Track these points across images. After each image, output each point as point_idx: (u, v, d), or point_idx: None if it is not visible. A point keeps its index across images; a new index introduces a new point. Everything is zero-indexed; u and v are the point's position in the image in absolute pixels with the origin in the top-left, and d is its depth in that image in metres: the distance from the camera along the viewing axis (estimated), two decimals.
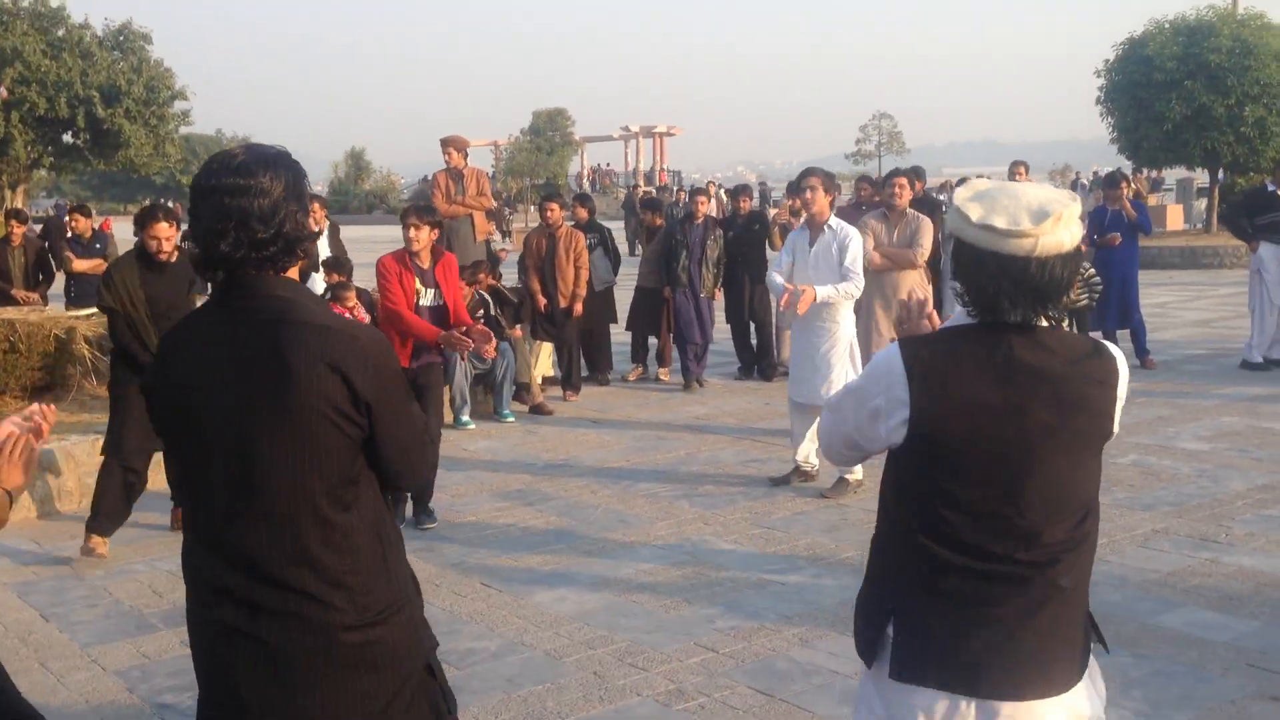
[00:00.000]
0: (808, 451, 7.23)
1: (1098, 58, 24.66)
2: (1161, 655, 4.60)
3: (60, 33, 31.58)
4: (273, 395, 2.14)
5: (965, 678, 2.29)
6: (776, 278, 7.29)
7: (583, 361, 10.99)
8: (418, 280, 6.77)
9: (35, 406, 2.34)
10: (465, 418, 9.30)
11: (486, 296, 9.94)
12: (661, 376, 11.32)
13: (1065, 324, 2.39)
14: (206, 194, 2.19)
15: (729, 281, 11.10)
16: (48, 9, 31.51)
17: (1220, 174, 24.06)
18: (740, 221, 11.35)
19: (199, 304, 6.29)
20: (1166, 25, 23.23)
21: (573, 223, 11.28)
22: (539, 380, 10.45)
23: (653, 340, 11.55)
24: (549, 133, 66.79)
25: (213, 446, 2.20)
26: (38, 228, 14.84)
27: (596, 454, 8.38)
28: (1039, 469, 2.26)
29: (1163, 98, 22.16)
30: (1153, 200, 28.57)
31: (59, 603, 5.63)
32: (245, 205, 2.16)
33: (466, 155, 11.43)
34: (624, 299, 11.68)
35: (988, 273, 2.23)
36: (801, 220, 11.15)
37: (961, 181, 11.50)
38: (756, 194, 23.46)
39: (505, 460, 8.29)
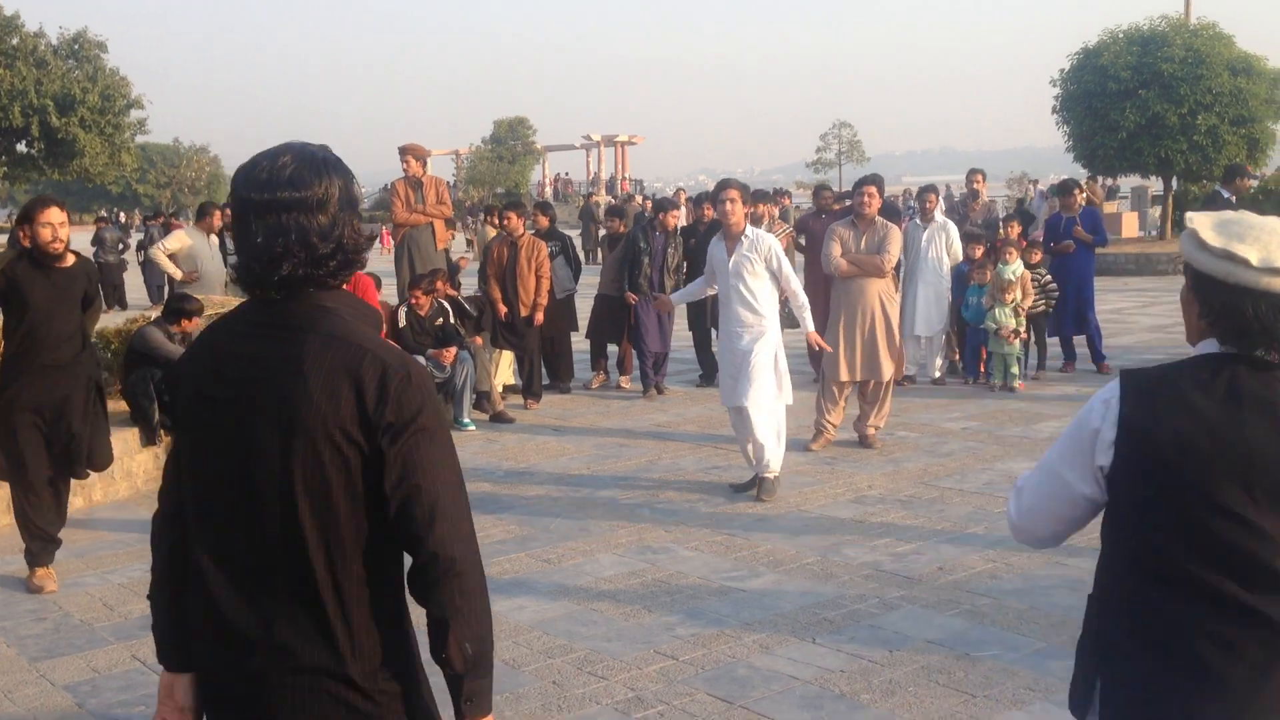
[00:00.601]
0: (759, 455, 7.20)
1: (1053, 67, 24.93)
2: None
3: (14, 41, 31.23)
4: (284, 414, 1.96)
5: None
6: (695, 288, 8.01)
7: (544, 370, 10.96)
8: None
9: None
10: None
11: (446, 305, 9.89)
12: (623, 384, 11.30)
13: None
14: (260, 210, 1.98)
15: None
16: (1, 18, 31.14)
17: (1174, 182, 24.37)
18: (703, 229, 11.36)
19: (90, 324, 6.06)
20: (1121, 35, 23.53)
21: (534, 230, 11.26)
22: (500, 388, 10.41)
23: (613, 348, 11.53)
24: (510, 141, 66.72)
25: (216, 462, 2.04)
26: (2, 238, 14.65)
27: (557, 462, 8.35)
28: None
29: (1117, 106, 22.44)
30: (1110, 208, 28.89)
31: (7, 616, 5.53)
32: (305, 221, 1.96)
33: (425, 163, 11.39)
34: (584, 307, 11.66)
35: (1264, 312, 2.09)
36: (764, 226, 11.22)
37: (928, 188, 11.51)
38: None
39: (465, 468, 8.14)
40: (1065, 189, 12.07)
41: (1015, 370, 10.46)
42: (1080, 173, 26.32)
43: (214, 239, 11.00)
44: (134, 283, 22.98)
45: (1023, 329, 10.47)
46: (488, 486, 7.69)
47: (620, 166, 70.30)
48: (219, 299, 10.81)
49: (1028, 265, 10.73)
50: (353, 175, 2.08)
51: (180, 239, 10.80)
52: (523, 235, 10.51)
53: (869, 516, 6.72)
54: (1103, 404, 2.18)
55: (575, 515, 6.94)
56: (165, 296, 13.84)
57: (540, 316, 10.39)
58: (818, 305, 10.45)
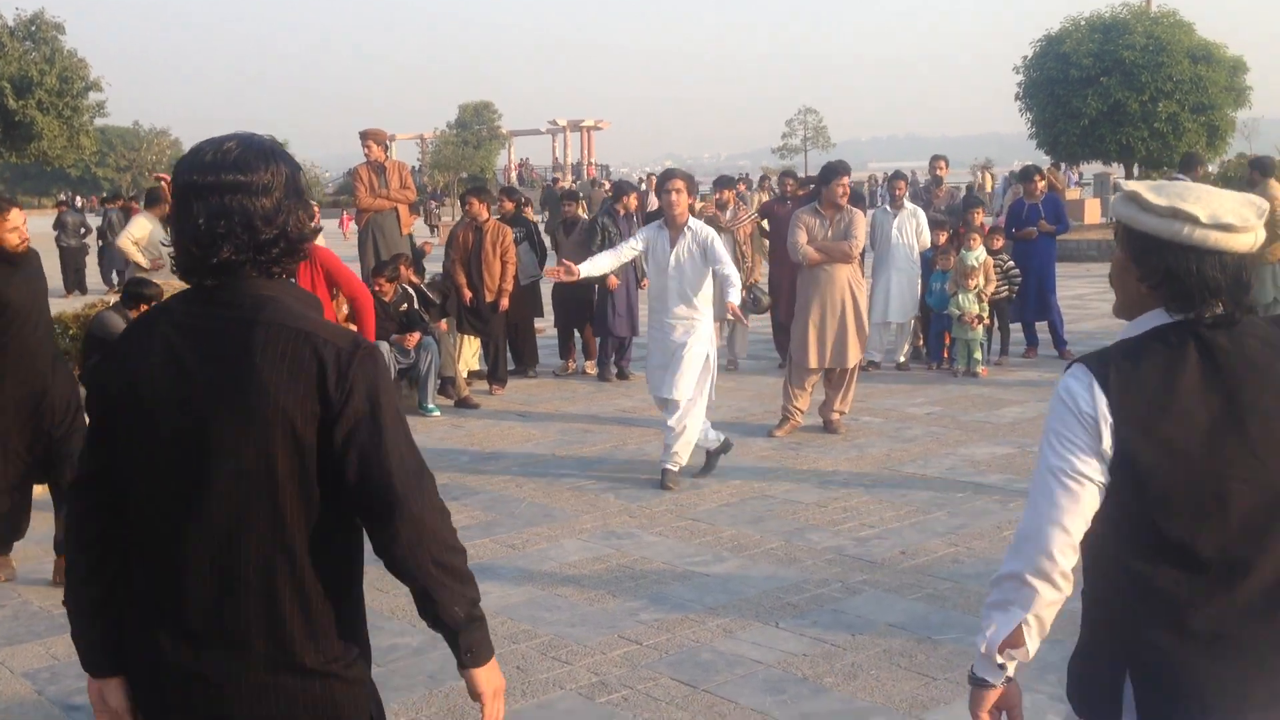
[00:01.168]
0: (671, 444, 7.22)
1: (1016, 54, 25.11)
2: (1076, 640, 4.67)
3: None
4: (236, 402, 1.95)
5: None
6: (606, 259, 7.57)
7: (509, 355, 10.94)
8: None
9: None
10: None
11: (410, 290, 9.84)
12: (588, 370, 11.30)
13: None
14: (202, 192, 1.97)
15: None
16: None
17: (1135, 168, 24.61)
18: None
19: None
20: (1083, 22, 23.73)
21: (499, 216, 11.23)
22: (464, 374, 10.38)
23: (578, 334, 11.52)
24: (475, 126, 66.34)
25: (163, 452, 2.00)
26: None
27: (523, 447, 8.34)
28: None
29: (1079, 94, 22.65)
30: (1073, 194, 29.13)
31: None
32: (248, 204, 1.96)
33: (387, 148, 11.32)
34: (547, 293, 11.63)
35: (1208, 269, 2.09)
36: (731, 215, 11.24)
37: (898, 174, 11.49)
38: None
39: (430, 454, 8.13)
40: (1026, 175, 12.15)
41: (978, 355, 10.54)
42: (1043, 159, 26.50)
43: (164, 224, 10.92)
44: (93, 267, 22.72)
45: (985, 314, 10.55)
46: (453, 472, 7.67)
47: (586, 151, 70.16)
48: (178, 284, 10.72)
49: (990, 251, 10.81)
50: (299, 167, 2.08)
51: (142, 226, 10.69)
52: (487, 220, 10.47)
53: (832, 501, 6.76)
54: (1085, 389, 2.10)
55: (540, 500, 6.94)
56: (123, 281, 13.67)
57: (505, 302, 10.37)
58: (784, 292, 10.51)
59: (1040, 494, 2.11)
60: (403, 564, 2.03)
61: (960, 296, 10.41)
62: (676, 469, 7.21)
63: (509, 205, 11.62)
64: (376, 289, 9.61)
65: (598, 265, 7.52)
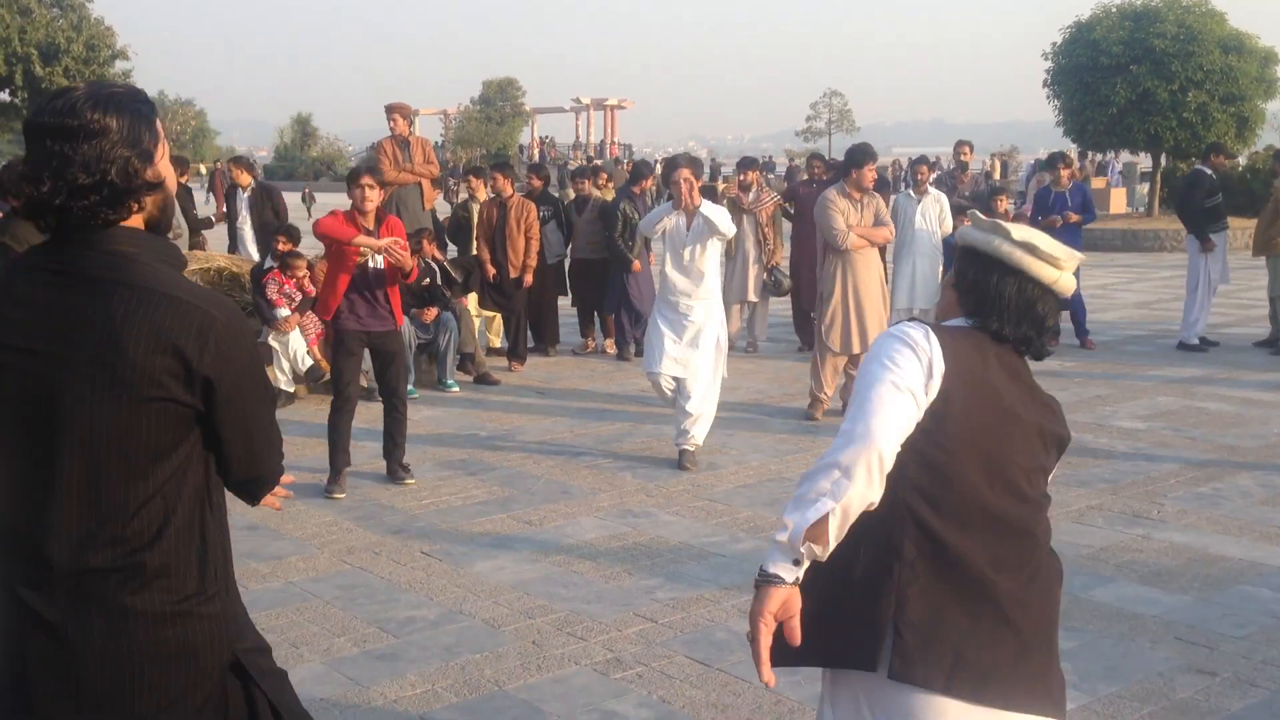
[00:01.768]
0: (690, 426, 7.23)
1: (1045, 41, 24.91)
2: (1092, 629, 4.68)
3: None
4: (95, 367, 1.96)
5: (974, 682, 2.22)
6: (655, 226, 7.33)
7: (529, 333, 10.96)
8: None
9: None
10: (410, 387, 9.23)
11: (432, 265, 9.86)
12: (608, 349, 11.31)
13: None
14: (30, 134, 2.01)
15: None
16: None
17: (1163, 158, 24.41)
18: None
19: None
20: (1113, 10, 23.48)
21: (524, 193, 11.23)
22: (490, 349, 10.42)
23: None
24: (499, 103, 66.29)
25: (18, 414, 2.02)
26: None
27: (540, 425, 8.36)
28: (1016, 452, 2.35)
29: (1108, 82, 22.42)
30: (1099, 183, 28.91)
31: None
32: (67, 149, 1.96)
33: (412, 122, 11.32)
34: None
35: (1005, 287, 2.36)
36: (741, 198, 11.21)
37: (921, 160, 11.44)
38: (707, 169, 23.48)
39: (448, 430, 8.24)
40: (1052, 163, 12.07)
41: None
42: (1070, 147, 26.31)
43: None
44: None
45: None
46: (471, 448, 7.70)
47: (609, 130, 70.00)
48: (202, 254, 10.77)
49: None
50: (150, 116, 2.06)
51: None
52: (512, 196, 10.47)
53: None
54: (922, 334, 2.27)
55: (557, 478, 6.96)
56: None
57: (529, 278, 10.38)
58: (807, 276, 10.48)
59: (872, 398, 2.18)
60: (251, 497, 2.27)
61: None
62: (694, 449, 7.22)
63: (538, 183, 11.59)
64: None
65: (652, 223, 7.36)
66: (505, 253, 10.29)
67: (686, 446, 7.20)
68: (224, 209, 13.97)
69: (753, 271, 11.17)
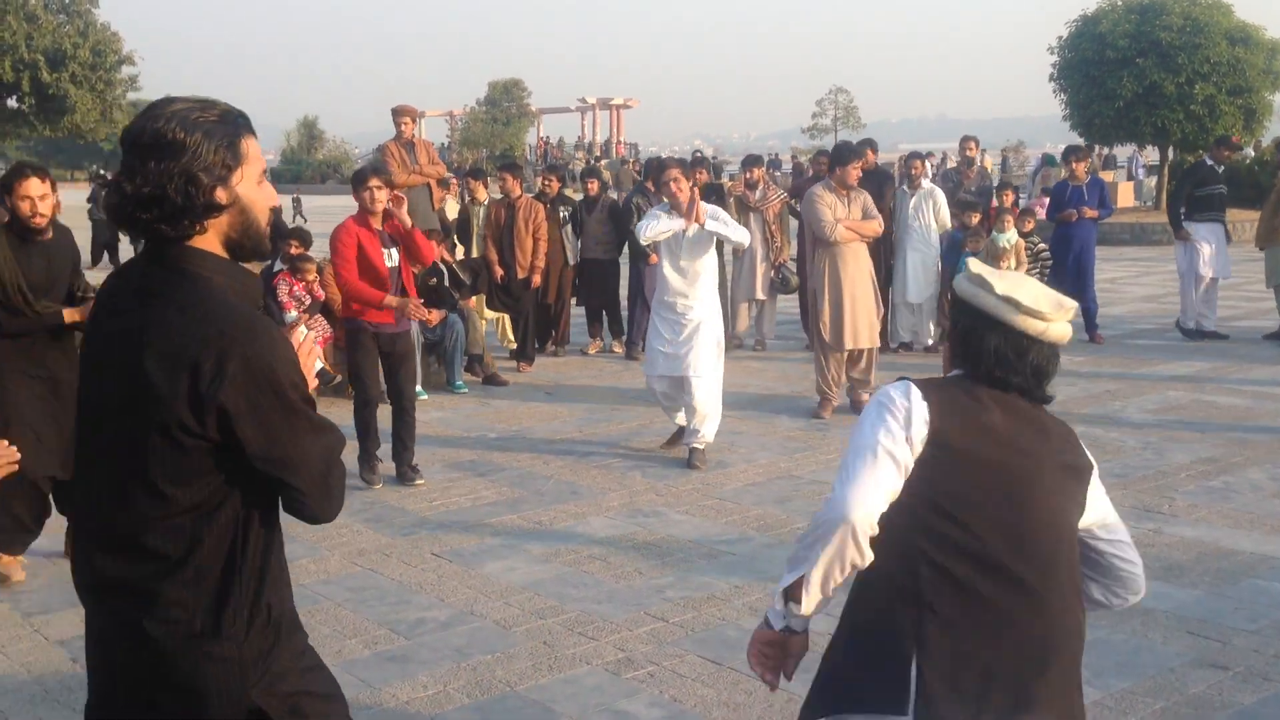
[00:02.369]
0: (700, 425, 7.24)
1: (1051, 34, 24.82)
2: (1103, 624, 4.66)
3: None
4: (120, 380, 1.99)
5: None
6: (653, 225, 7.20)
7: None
8: (381, 243, 6.84)
9: None
10: (418, 388, 9.24)
11: (440, 266, 9.87)
12: (615, 349, 11.31)
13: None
14: (120, 142, 2.07)
15: None
16: None
17: (1170, 151, 24.33)
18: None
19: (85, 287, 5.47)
20: (1119, 3, 23.40)
21: (533, 194, 11.25)
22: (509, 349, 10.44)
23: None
24: (505, 104, 66.31)
25: (79, 416, 2.12)
26: None
27: (549, 425, 8.37)
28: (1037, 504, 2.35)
29: (1114, 75, 22.35)
30: (1106, 177, 28.84)
31: None
32: (137, 161, 2.00)
33: (418, 125, 11.34)
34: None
35: (992, 339, 2.38)
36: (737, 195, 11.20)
37: (915, 154, 11.44)
38: (712, 167, 23.42)
39: (457, 431, 8.25)
40: (1067, 156, 12.06)
41: None
42: (1077, 141, 26.24)
43: None
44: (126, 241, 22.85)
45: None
46: (480, 449, 7.71)
47: (615, 130, 70.00)
48: None
49: (1020, 233, 10.73)
50: (232, 143, 2.05)
51: None
52: (520, 197, 10.48)
53: None
54: (902, 392, 2.35)
55: (567, 478, 6.97)
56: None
57: (537, 279, 10.39)
58: (804, 271, 10.47)
59: (851, 465, 2.31)
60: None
61: None
62: (703, 447, 7.23)
63: (555, 185, 11.53)
64: None
65: (656, 230, 7.21)
66: (513, 253, 10.31)
67: (695, 445, 7.21)
68: None
69: (760, 269, 11.17)
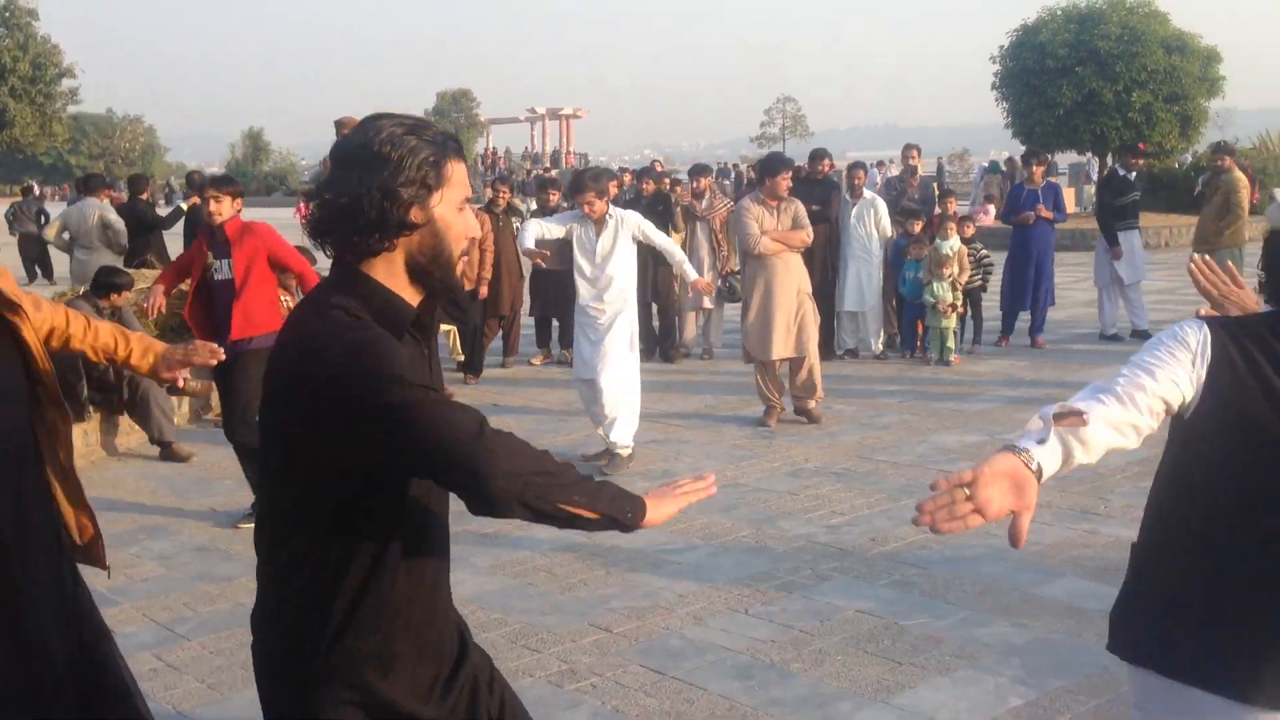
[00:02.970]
0: (608, 430, 7.36)
1: (994, 44, 25.18)
2: (1041, 624, 4.74)
3: None
4: (266, 400, 2.10)
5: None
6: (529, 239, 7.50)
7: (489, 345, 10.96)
8: (210, 252, 6.32)
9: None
10: None
11: None
12: (568, 356, 11.31)
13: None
14: (331, 159, 2.09)
15: None
16: None
17: (1109, 158, 24.76)
18: (644, 202, 11.38)
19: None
20: (1059, 12, 23.82)
21: (481, 206, 11.24)
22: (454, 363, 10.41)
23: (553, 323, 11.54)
24: (454, 114, 66.13)
25: None
26: None
27: None
28: None
29: (1054, 84, 22.75)
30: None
31: None
32: (339, 173, 2.02)
33: None
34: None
35: None
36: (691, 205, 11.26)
37: (858, 164, 11.43)
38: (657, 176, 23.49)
39: None
40: (1025, 161, 12.29)
41: (951, 344, 10.61)
42: (1019, 149, 26.62)
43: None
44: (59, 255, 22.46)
45: (959, 304, 10.62)
46: None
47: (565, 140, 69.97)
48: (153, 273, 10.68)
49: (963, 239, 10.87)
50: (436, 163, 2.05)
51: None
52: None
53: (804, 489, 6.81)
54: (1196, 328, 2.17)
55: None
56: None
57: (485, 290, 10.38)
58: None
59: (1149, 348, 2.19)
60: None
61: (935, 285, 10.47)
62: (624, 454, 7.35)
63: (506, 195, 11.59)
64: None
65: (532, 233, 7.54)
66: None
67: (616, 451, 7.34)
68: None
69: (707, 278, 11.21)
